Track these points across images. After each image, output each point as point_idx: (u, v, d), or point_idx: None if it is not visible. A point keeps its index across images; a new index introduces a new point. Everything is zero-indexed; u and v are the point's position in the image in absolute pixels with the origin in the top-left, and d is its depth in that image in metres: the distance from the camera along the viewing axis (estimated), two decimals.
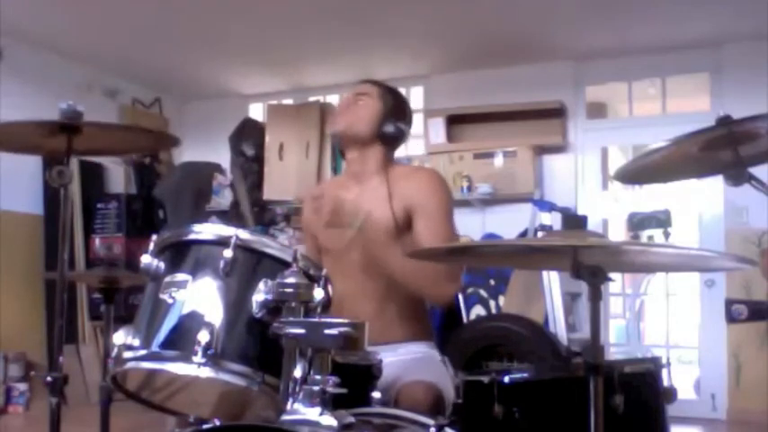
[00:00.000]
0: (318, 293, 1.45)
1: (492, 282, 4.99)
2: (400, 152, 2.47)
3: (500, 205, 5.63)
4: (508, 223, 5.22)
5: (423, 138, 5.87)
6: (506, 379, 1.46)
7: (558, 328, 4.60)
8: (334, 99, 6.27)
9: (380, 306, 2.15)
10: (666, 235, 4.96)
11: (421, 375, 1.94)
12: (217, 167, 6.18)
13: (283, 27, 5.23)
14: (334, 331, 1.32)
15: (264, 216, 5.84)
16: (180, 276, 1.52)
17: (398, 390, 1.89)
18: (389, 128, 2.25)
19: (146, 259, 1.55)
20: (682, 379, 5.49)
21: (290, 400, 1.35)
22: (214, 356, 1.42)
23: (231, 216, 5.72)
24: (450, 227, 2.18)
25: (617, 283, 5.49)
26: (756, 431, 4.60)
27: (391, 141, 2.29)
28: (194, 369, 1.41)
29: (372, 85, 2.33)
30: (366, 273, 2.16)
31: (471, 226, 5.25)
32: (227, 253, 1.49)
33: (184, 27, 5.29)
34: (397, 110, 2.30)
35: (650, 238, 4.98)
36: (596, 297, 1.37)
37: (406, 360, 2.06)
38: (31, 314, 5.40)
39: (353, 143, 2.27)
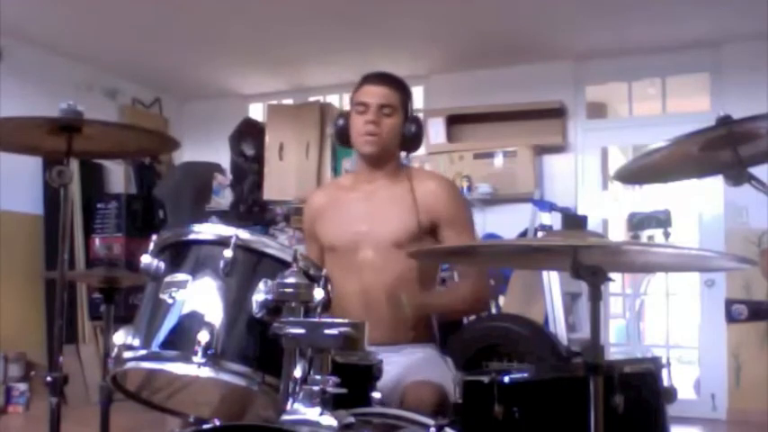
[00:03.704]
0: (318, 293, 1.45)
1: (492, 282, 4.98)
2: None
3: (500, 205, 5.63)
4: (508, 223, 5.22)
5: (423, 138, 5.86)
6: (506, 379, 1.46)
7: (558, 328, 4.60)
8: (334, 99, 6.27)
9: (388, 306, 2.15)
10: (666, 235, 4.96)
11: (426, 375, 1.95)
12: (217, 167, 6.18)
13: (283, 27, 5.23)
14: (334, 331, 1.33)
15: (264, 216, 5.84)
16: (180, 276, 1.52)
17: (404, 389, 1.89)
18: (411, 131, 2.25)
19: (146, 259, 1.55)
20: (682, 379, 5.49)
21: (290, 400, 1.35)
22: (214, 356, 1.42)
23: (231, 216, 5.72)
24: (474, 236, 2.30)
25: (617, 283, 5.49)
26: (756, 431, 4.60)
27: (412, 145, 2.29)
28: (194, 369, 1.41)
29: (392, 90, 2.24)
30: (375, 272, 2.17)
31: None
32: (227, 253, 1.49)
33: (184, 27, 5.29)
34: (411, 110, 2.28)
35: (650, 238, 4.98)
36: (596, 297, 1.37)
37: (410, 360, 2.07)
38: (31, 314, 5.40)
39: (381, 157, 2.26)
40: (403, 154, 2.32)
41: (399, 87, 2.26)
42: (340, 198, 2.31)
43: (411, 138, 2.25)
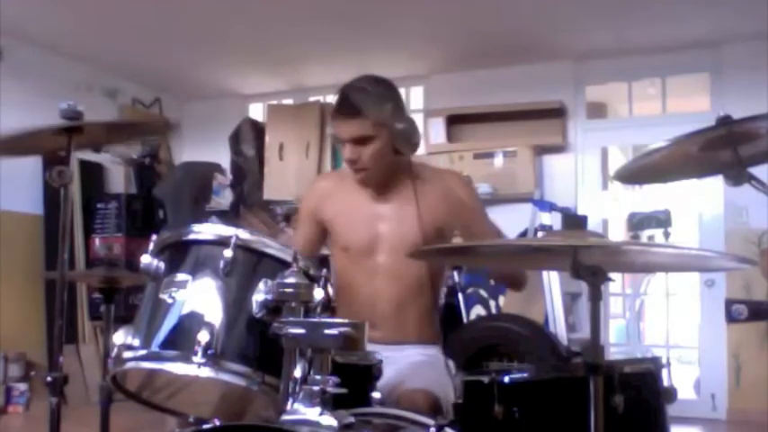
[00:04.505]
0: (318, 293, 1.45)
1: (492, 282, 4.98)
2: None
3: (500, 205, 5.60)
4: (508, 223, 5.18)
5: (423, 138, 5.86)
6: (506, 379, 1.46)
7: (558, 328, 4.60)
8: (334, 99, 6.25)
9: (398, 308, 2.15)
10: (666, 235, 4.96)
11: (422, 382, 1.95)
12: (217, 167, 6.19)
13: (283, 27, 5.23)
14: (334, 331, 1.32)
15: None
16: (180, 276, 1.52)
17: (399, 395, 1.89)
18: (402, 138, 2.12)
19: (146, 259, 1.55)
20: (682, 379, 5.49)
21: (290, 400, 1.35)
22: (214, 356, 1.42)
23: (231, 216, 5.72)
24: (489, 226, 2.24)
25: (617, 283, 5.49)
26: (756, 431, 4.60)
27: (408, 149, 2.16)
28: (194, 369, 1.41)
29: (361, 119, 2.07)
30: (389, 275, 2.16)
31: None
32: (227, 253, 1.49)
33: (184, 27, 5.29)
34: (394, 109, 2.13)
35: (650, 238, 4.98)
36: (596, 297, 1.37)
37: (410, 363, 2.07)
38: (31, 314, 5.40)
39: (375, 178, 2.18)
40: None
41: (366, 108, 2.08)
42: (350, 193, 2.23)
43: (404, 143, 2.14)
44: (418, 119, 5.64)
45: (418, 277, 2.17)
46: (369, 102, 2.10)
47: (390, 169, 2.18)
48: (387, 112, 2.10)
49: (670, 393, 1.53)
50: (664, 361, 1.56)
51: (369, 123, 2.08)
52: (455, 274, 4.77)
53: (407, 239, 2.10)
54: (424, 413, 1.75)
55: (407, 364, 2.05)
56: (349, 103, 2.11)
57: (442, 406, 1.89)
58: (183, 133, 6.65)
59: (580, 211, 5.49)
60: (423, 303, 2.21)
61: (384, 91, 2.15)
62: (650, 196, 5.42)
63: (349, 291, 2.16)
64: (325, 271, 1.55)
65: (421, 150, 2.33)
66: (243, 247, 1.51)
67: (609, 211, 5.90)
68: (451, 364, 2.16)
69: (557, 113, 5.67)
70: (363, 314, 2.06)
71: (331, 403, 1.34)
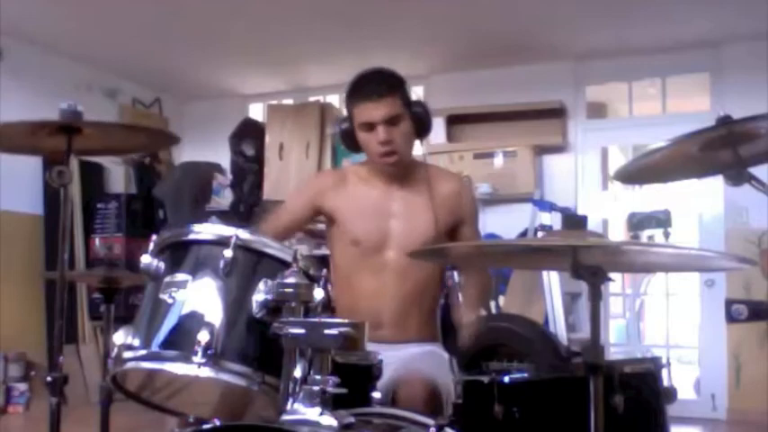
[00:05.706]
0: (318, 293, 1.45)
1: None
2: None
3: (500, 205, 5.63)
4: (508, 223, 5.21)
5: None
6: (506, 379, 1.46)
7: (558, 328, 4.60)
8: (334, 99, 6.27)
9: (403, 305, 2.15)
10: (666, 235, 4.96)
11: (418, 369, 1.96)
12: (217, 167, 6.19)
13: (283, 27, 5.23)
14: (334, 331, 1.32)
15: (264, 216, 5.83)
16: (180, 276, 1.52)
17: (397, 383, 1.89)
18: (420, 119, 2.17)
19: (146, 259, 1.55)
20: (682, 379, 5.49)
21: (290, 400, 1.35)
22: (214, 356, 1.42)
23: (231, 216, 5.72)
24: (476, 233, 2.40)
25: (617, 283, 5.49)
26: (756, 431, 4.60)
27: (424, 131, 2.21)
28: (194, 369, 1.41)
29: (391, 97, 2.10)
30: (397, 271, 2.16)
31: None
32: (228, 253, 1.49)
33: (184, 27, 5.29)
34: (410, 93, 2.18)
35: (650, 238, 4.98)
36: (596, 297, 1.37)
37: (410, 355, 2.08)
38: (31, 314, 5.40)
39: (404, 163, 2.21)
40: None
41: (395, 87, 2.14)
42: (358, 187, 2.24)
43: (422, 125, 2.18)
44: None
45: (426, 275, 2.18)
46: (394, 82, 2.16)
47: (409, 156, 2.23)
48: (408, 93, 2.17)
49: (670, 393, 1.53)
50: (664, 361, 1.56)
51: (399, 102, 2.12)
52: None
53: (420, 236, 2.13)
54: (421, 401, 1.76)
55: (407, 356, 2.06)
56: (377, 85, 2.13)
57: (442, 394, 1.89)
58: (183, 133, 6.64)
59: (580, 211, 5.49)
60: (427, 302, 2.22)
61: (399, 77, 2.20)
62: (650, 196, 5.42)
63: (354, 287, 2.16)
64: (324, 271, 1.55)
65: (421, 150, 2.35)
66: (243, 247, 1.51)
67: (609, 211, 5.89)
68: (454, 361, 2.15)
69: (557, 113, 5.67)
70: (367, 311, 2.07)
71: (331, 403, 1.34)
